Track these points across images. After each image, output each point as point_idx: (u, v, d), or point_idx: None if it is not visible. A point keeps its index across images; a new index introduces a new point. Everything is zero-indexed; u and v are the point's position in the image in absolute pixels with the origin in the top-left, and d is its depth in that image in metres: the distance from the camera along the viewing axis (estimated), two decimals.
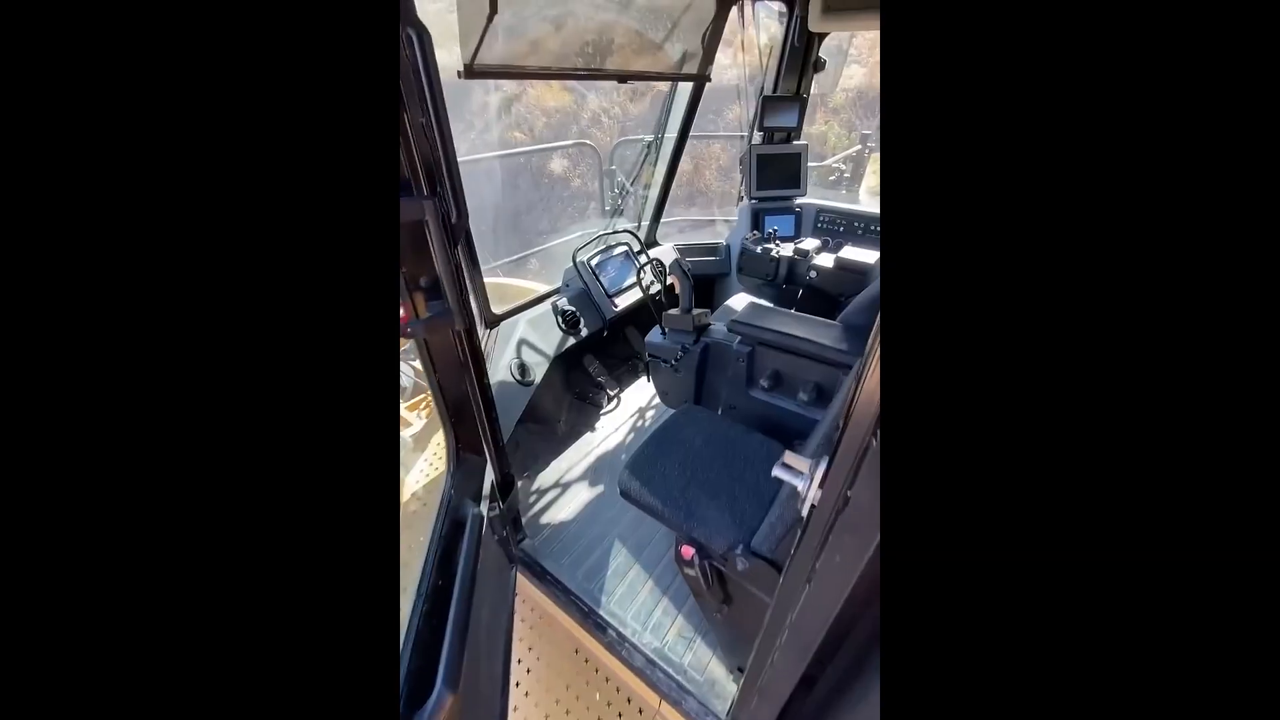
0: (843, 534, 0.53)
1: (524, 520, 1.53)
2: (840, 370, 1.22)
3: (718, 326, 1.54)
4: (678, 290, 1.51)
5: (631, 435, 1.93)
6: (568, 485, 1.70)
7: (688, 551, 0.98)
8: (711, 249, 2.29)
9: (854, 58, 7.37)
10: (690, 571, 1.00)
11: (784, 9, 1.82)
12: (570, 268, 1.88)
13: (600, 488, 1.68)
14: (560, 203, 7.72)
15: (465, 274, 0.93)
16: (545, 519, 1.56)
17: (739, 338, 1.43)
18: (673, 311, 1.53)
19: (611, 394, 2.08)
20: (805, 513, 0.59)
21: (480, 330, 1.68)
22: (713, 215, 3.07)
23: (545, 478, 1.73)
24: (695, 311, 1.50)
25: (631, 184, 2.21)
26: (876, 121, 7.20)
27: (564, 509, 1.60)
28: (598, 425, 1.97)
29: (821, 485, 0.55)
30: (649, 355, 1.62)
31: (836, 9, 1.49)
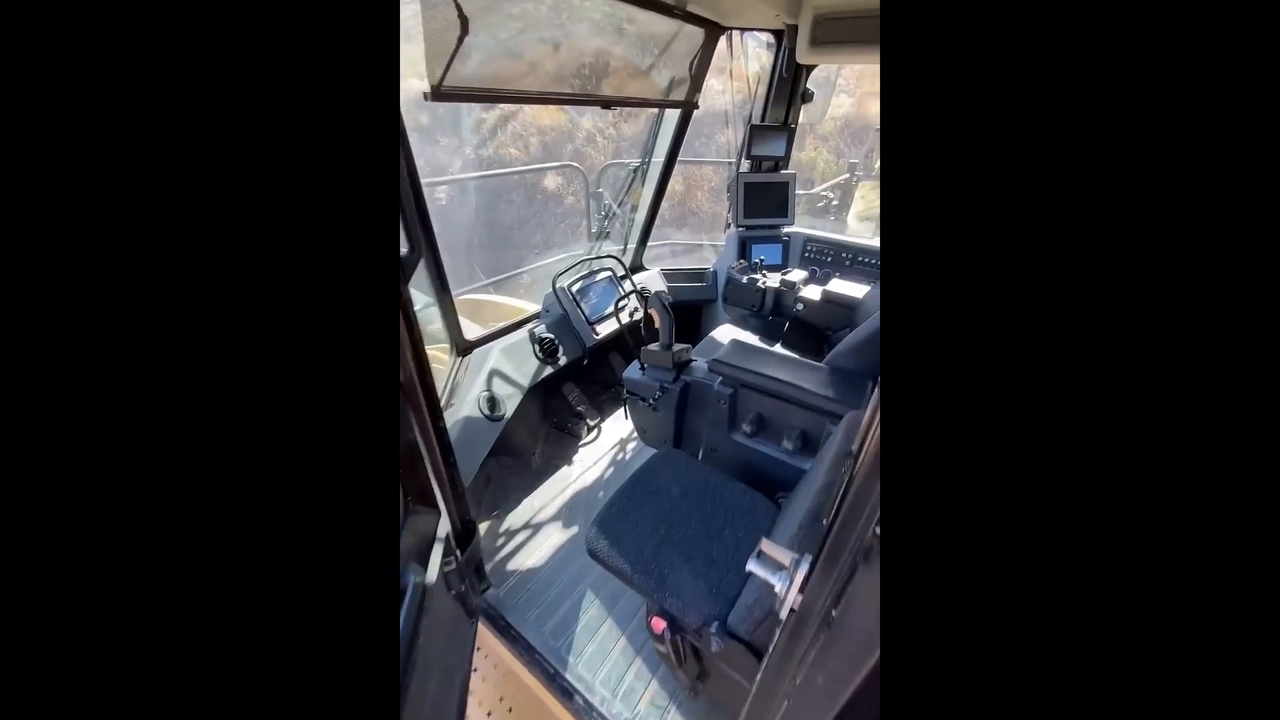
0: (827, 654, 0.44)
1: (489, 566, 1.41)
2: (827, 419, 1.15)
3: (699, 363, 1.46)
4: (657, 324, 1.43)
5: (611, 470, 1.83)
6: (539, 526, 1.59)
7: (658, 625, 0.88)
8: (698, 274, 2.24)
9: (842, 88, 7.57)
10: (661, 648, 0.90)
11: (773, 40, 1.80)
12: (550, 294, 1.80)
13: (574, 529, 1.57)
14: (554, 219, 7.73)
15: (415, 310, 0.84)
16: (513, 565, 1.45)
17: (720, 377, 1.35)
18: (652, 347, 1.44)
19: (591, 424, 1.98)
20: (784, 615, 0.51)
21: (450, 358, 1.58)
22: (700, 240, 3.03)
23: (516, 517, 1.61)
24: (676, 347, 1.42)
25: (619, 207, 2.16)
26: (863, 149, 7.36)
27: (534, 554, 1.49)
28: (575, 458, 1.87)
29: (802, 590, 0.47)
30: (627, 392, 1.54)
31: (824, 42, 1.47)
